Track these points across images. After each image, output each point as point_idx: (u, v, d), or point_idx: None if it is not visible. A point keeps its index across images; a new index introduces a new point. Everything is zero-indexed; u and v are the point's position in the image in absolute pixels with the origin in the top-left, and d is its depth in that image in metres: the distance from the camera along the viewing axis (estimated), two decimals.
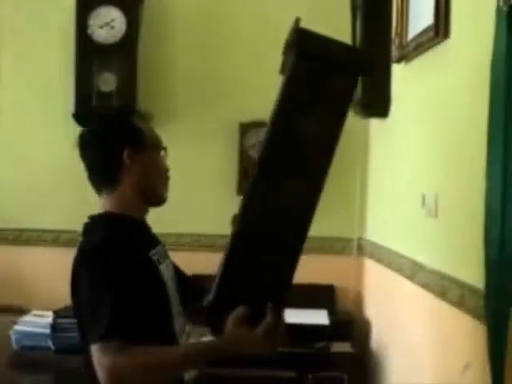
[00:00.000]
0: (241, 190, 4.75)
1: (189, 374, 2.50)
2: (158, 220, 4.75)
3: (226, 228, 4.96)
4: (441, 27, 3.02)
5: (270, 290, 2.19)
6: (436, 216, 3.11)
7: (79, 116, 4.74)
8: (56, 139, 4.88)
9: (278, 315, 2.20)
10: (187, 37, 4.96)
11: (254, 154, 4.81)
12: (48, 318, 4.08)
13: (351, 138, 4.78)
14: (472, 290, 2.60)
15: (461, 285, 2.74)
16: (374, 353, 4.29)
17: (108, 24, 4.76)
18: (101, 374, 2.09)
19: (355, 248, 4.81)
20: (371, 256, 4.46)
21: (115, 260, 2.18)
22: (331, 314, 4.43)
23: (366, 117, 4.54)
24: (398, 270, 3.65)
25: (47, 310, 4.17)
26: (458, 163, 2.93)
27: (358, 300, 4.74)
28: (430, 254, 3.18)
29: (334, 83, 2.17)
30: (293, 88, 2.17)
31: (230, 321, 2.16)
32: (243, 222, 2.19)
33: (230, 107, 4.87)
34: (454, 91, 2.93)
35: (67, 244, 4.80)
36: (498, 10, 2.19)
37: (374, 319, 4.42)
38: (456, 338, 2.83)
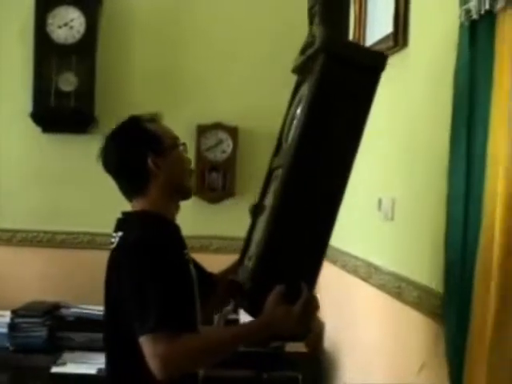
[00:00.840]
0: (197, 191, 4.79)
1: (202, 373, 2.56)
2: (112, 220, 4.82)
3: (182, 228, 5.02)
4: (400, 36, 3.10)
5: (303, 271, 2.37)
6: (392, 219, 3.20)
7: (37, 115, 4.76)
8: (14, 138, 4.91)
9: (312, 294, 2.38)
10: (146, 37, 4.98)
11: (211, 155, 4.88)
12: (6, 317, 4.10)
13: None
14: (428, 291, 2.69)
15: (417, 286, 2.82)
16: (328, 352, 4.36)
17: (67, 24, 4.78)
18: (154, 362, 2.18)
19: None
20: (326, 258, 4.52)
21: (158, 257, 2.30)
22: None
23: None
24: (354, 271, 3.73)
25: (5, 309, 4.18)
26: (413, 168, 3.01)
27: None
28: (386, 257, 3.26)
29: (359, 83, 2.37)
30: (323, 88, 2.33)
31: (270, 301, 2.29)
32: (281, 208, 2.34)
33: (188, 109, 4.91)
34: (412, 98, 3.02)
35: (21, 244, 4.82)
36: (461, 24, 2.28)
37: (327, 319, 4.50)
38: (412, 338, 2.91)
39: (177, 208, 2.59)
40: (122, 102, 4.92)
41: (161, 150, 2.47)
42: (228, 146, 4.89)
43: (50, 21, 4.74)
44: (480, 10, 2.15)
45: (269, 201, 2.52)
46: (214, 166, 4.89)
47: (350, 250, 3.86)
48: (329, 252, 4.36)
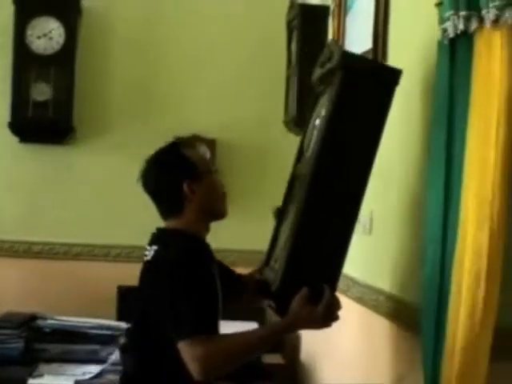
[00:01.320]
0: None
1: None
2: (88, 230, 4.84)
3: None
4: (379, 52, 3.15)
5: (326, 273, 2.54)
6: (370, 233, 3.23)
7: (15, 125, 4.76)
8: None
9: (334, 295, 2.54)
10: (124, 48, 4.99)
11: None
12: None
13: (283, 155, 4.89)
14: (405, 304, 2.72)
15: (394, 299, 2.86)
16: (305, 364, 4.38)
17: (46, 35, 4.78)
18: (193, 364, 2.37)
19: None
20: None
21: (190, 274, 2.48)
22: (262, 325, 4.50)
23: (298, 134, 4.64)
24: None
25: None
26: (391, 182, 3.05)
27: None
28: (363, 270, 3.29)
29: (376, 97, 2.52)
30: (342, 102, 2.47)
31: (295, 302, 2.46)
32: (305, 214, 2.50)
33: (166, 121, 4.92)
34: (391, 113, 3.05)
35: None
36: (440, 43, 2.33)
37: (304, 331, 4.51)
38: (388, 351, 2.94)
39: (208, 228, 2.74)
40: (99, 113, 4.94)
41: (196, 176, 2.63)
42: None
43: (29, 31, 4.74)
44: (456, 30, 2.20)
45: (293, 207, 2.67)
46: None
47: None
48: None
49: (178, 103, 4.95)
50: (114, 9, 4.94)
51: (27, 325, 4.27)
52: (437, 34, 2.35)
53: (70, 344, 4.13)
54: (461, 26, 2.17)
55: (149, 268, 2.65)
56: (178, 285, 2.46)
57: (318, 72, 2.75)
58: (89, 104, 4.90)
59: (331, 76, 2.57)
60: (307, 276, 2.52)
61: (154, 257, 2.62)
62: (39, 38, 4.77)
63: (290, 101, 4.56)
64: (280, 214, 2.83)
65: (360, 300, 3.26)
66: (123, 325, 4.20)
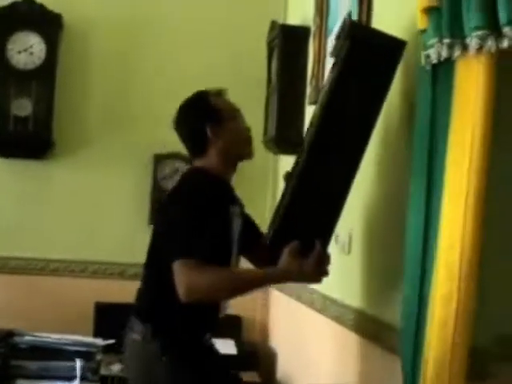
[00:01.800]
0: (152, 220, 4.81)
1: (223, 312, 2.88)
2: (66, 246, 4.83)
3: (136, 257, 5.03)
4: None
5: (319, 230, 2.67)
6: (349, 253, 3.26)
7: None
8: None
9: (325, 250, 2.68)
10: (105, 64, 5.01)
11: (168, 184, 4.89)
12: None
13: (262, 174, 4.93)
14: (385, 324, 2.75)
15: (374, 320, 2.88)
16: (281, 383, 4.40)
17: (27, 50, 4.79)
18: (179, 288, 2.53)
19: None
20: (279, 289, 4.57)
21: (202, 199, 2.68)
22: (238, 343, 4.52)
23: (277, 153, 4.67)
24: (309, 303, 3.78)
25: None
26: (370, 202, 3.08)
27: (265, 331, 4.85)
28: (342, 290, 3.32)
29: (380, 66, 2.61)
30: (346, 71, 2.59)
31: (286, 253, 2.60)
32: (305, 174, 2.63)
33: (146, 137, 4.93)
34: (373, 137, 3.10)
35: None
36: (421, 68, 2.37)
37: (280, 350, 4.54)
38: (367, 370, 2.97)
39: (234, 171, 2.96)
40: (79, 128, 4.95)
41: (219, 121, 2.85)
42: None
43: (9, 46, 4.75)
44: (439, 57, 2.24)
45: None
46: None
47: None
48: (284, 284, 4.46)
49: (157, 119, 4.93)
50: (94, 24, 4.96)
51: (4, 341, 4.24)
52: (417, 59, 2.40)
53: (48, 361, 4.11)
54: (444, 54, 2.21)
55: (165, 196, 2.91)
56: (182, 209, 2.68)
57: (334, 45, 2.87)
58: (69, 119, 4.90)
59: (341, 47, 2.67)
60: (301, 230, 2.63)
61: (172, 187, 2.91)
62: (20, 52, 4.78)
63: (269, 120, 4.58)
64: (289, 177, 2.86)
65: (338, 319, 3.28)
66: (100, 341, 4.19)
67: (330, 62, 3.73)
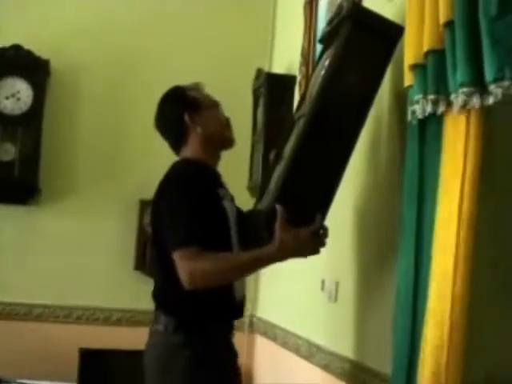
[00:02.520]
0: (138, 265, 4.85)
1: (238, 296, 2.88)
2: (50, 291, 4.81)
3: (121, 302, 5.00)
4: None
5: (317, 203, 2.66)
6: (336, 300, 3.29)
7: None
8: None
9: (322, 222, 2.66)
10: (92, 111, 5.03)
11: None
12: None
13: None
14: (373, 373, 2.77)
15: (361, 368, 2.90)
16: None
17: (14, 95, 4.81)
18: (182, 276, 2.58)
19: (247, 325, 4.92)
20: (264, 334, 4.58)
21: (190, 187, 2.73)
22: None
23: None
24: (295, 350, 3.78)
25: None
26: (358, 250, 3.12)
27: (249, 377, 4.84)
28: (329, 337, 3.34)
29: (377, 49, 2.67)
30: (348, 49, 2.66)
31: (277, 227, 2.57)
32: (304, 143, 2.64)
33: (131, 183, 4.95)
34: (359, 188, 3.14)
35: None
36: (409, 123, 2.42)
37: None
38: None
39: (217, 158, 3.01)
40: (65, 174, 4.95)
41: (196, 108, 2.94)
42: None
43: None
44: (424, 112, 2.30)
45: (291, 143, 2.79)
46: None
47: (292, 328, 3.92)
48: (269, 329, 4.48)
49: (144, 167, 4.96)
50: (82, 70, 4.99)
51: None
52: (404, 115, 2.46)
53: None
54: (429, 109, 2.27)
55: (155, 193, 2.91)
56: (172, 200, 2.73)
57: (325, 29, 2.95)
58: (55, 165, 4.92)
59: (339, 28, 2.75)
60: (299, 201, 2.63)
61: (161, 180, 2.89)
62: (7, 98, 4.80)
63: (254, 167, 4.63)
64: (275, 158, 2.94)
65: (325, 367, 3.29)
66: None
67: None
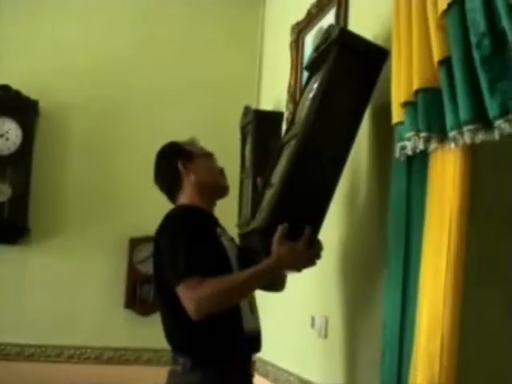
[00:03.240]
0: (128, 304, 4.86)
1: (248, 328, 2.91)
2: (41, 331, 4.79)
3: (113, 340, 4.99)
4: None
5: (310, 219, 2.71)
6: (326, 337, 3.30)
7: None
8: None
9: (315, 236, 2.72)
10: (81, 151, 5.07)
11: (144, 268, 4.93)
12: None
13: None
14: None
15: None
16: None
17: (3, 135, 4.84)
18: (189, 307, 2.63)
19: None
20: (255, 371, 4.55)
21: (187, 224, 2.81)
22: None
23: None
24: None
25: None
26: (347, 287, 3.14)
27: None
28: (319, 373, 3.34)
29: (364, 72, 2.78)
30: (334, 74, 2.75)
31: (275, 240, 2.65)
32: (296, 161, 2.71)
33: (121, 222, 4.98)
34: (347, 224, 3.17)
35: None
36: (396, 160, 2.45)
37: None
38: None
39: (213, 204, 3.08)
40: (55, 214, 4.97)
41: (189, 157, 3.05)
42: None
43: None
44: (415, 149, 2.32)
45: (282, 164, 2.87)
46: (146, 279, 4.92)
47: (283, 364, 3.93)
48: (260, 366, 4.47)
49: (134, 205, 5.00)
50: (70, 111, 5.04)
51: None
52: (385, 151, 2.49)
53: None
54: (421, 146, 2.29)
55: (155, 235, 2.93)
56: (170, 240, 2.80)
57: (312, 55, 3.04)
58: (45, 204, 4.94)
59: (327, 53, 2.84)
60: (293, 216, 2.68)
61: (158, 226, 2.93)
62: None
63: (243, 204, 4.64)
64: (264, 184, 3.03)
65: None
66: None
67: None
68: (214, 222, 3.00)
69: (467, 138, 2.07)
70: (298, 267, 2.76)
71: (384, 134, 2.78)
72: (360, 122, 2.79)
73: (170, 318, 2.89)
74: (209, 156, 3.14)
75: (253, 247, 2.87)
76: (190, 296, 2.63)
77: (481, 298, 2.50)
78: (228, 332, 2.81)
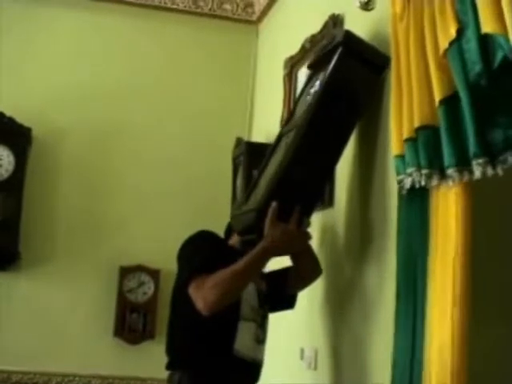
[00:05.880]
0: (118, 332, 4.87)
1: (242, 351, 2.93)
2: (29, 358, 4.78)
3: (101, 369, 4.97)
4: (326, 197, 3.32)
5: (304, 199, 2.85)
6: (315, 369, 3.32)
7: None
8: None
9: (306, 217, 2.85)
10: (73, 178, 5.08)
11: (133, 297, 4.94)
12: None
13: None
14: None
15: None
16: None
17: None
18: (197, 303, 2.73)
19: None
20: None
21: (207, 241, 2.96)
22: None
23: None
24: None
25: None
26: (336, 319, 3.17)
27: None
28: None
29: (366, 74, 2.89)
30: (337, 72, 2.86)
31: (267, 223, 2.75)
32: (298, 153, 2.83)
33: (111, 250, 4.99)
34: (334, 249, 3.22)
35: None
36: (399, 193, 2.50)
37: None
38: None
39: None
40: (45, 241, 4.96)
41: None
42: (149, 288, 4.98)
43: None
44: (415, 184, 2.37)
45: (279, 154, 3.00)
46: (135, 308, 4.94)
47: None
48: None
49: (124, 233, 5.02)
50: (63, 139, 5.05)
51: None
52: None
53: None
54: (422, 182, 2.33)
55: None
56: (190, 246, 2.95)
57: (315, 57, 3.19)
58: (35, 231, 4.93)
59: (331, 54, 2.94)
60: (289, 199, 2.78)
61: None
62: None
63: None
64: (259, 173, 3.15)
65: None
66: None
67: None
68: (234, 251, 3.05)
69: (479, 173, 2.08)
70: (292, 249, 2.89)
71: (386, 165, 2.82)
72: (358, 121, 2.94)
73: (173, 331, 2.99)
74: None
75: (246, 227, 2.95)
76: (198, 293, 2.73)
77: (488, 334, 2.54)
78: (216, 346, 2.88)
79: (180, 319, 2.96)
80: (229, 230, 3.19)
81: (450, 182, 2.21)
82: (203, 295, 2.71)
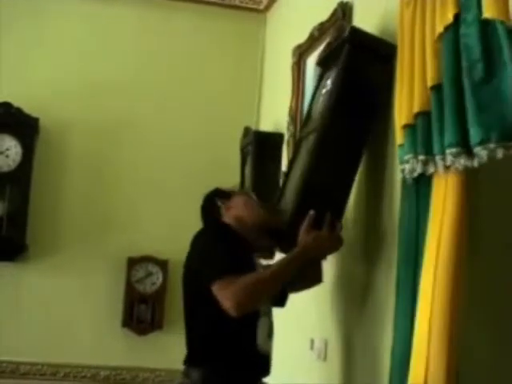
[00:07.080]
0: (126, 323, 4.86)
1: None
2: (37, 349, 4.77)
3: (109, 359, 4.97)
4: None
5: (333, 202, 2.88)
6: (325, 359, 3.30)
7: None
8: None
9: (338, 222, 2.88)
10: (80, 169, 5.07)
11: (141, 287, 4.93)
12: None
13: None
14: None
15: None
16: None
17: (3, 152, 4.84)
18: (225, 303, 2.69)
19: None
20: None
21: (224, 239, 2.90)
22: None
23: None
24: None
25: None
26: (346, 310, 3.15)
27: None
28: None
29: (376, 66, 2.89)
30: (347, 71, 2.87)
31: (301, 230, 2.81)
32: (320, 158, 2.87)
33: (120, 241, 4.99)
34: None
35: None
36: (403, 181, 2.47)
37: None
38: None
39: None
40: (53, 231, 4.96)
41: (226, 195, 3.18)
42: (158, 278, 4.97)
43: None
44: (414, 172, 2.34)
45: (299, 163, 3.04)
46: (144, 298, 4.94)
47: None
48: None
49: (132, 224, 5.01)
50: (70, 129, 5.05)
51: None
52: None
53: None
54: (419, 169, 2.31)
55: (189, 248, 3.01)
56: (210, 242, 2.90)
57: (324, 53, 3.20)
58: (43, 222, 4.93)
59: (339, 51, 2.95)
60: (316, 206, 2.82)
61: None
62: None
63: None
64: (285, 176, 3.19)
65: None
66: None
67: None
68: (251, 249, 3.04)
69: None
70: (324, 253, 2.95)
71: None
72: (376, 114, 2.90)
73: (192, 329, 2.95)
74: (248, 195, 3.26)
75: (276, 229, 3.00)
76: (226, 293, 2.69)
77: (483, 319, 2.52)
78: (241, 344, 2.86)
79: (203, 319, 2.89)
80: (211, 205, 3.20)
81: (440, 169, 2.19)
82: (233, 293, 2.68)
